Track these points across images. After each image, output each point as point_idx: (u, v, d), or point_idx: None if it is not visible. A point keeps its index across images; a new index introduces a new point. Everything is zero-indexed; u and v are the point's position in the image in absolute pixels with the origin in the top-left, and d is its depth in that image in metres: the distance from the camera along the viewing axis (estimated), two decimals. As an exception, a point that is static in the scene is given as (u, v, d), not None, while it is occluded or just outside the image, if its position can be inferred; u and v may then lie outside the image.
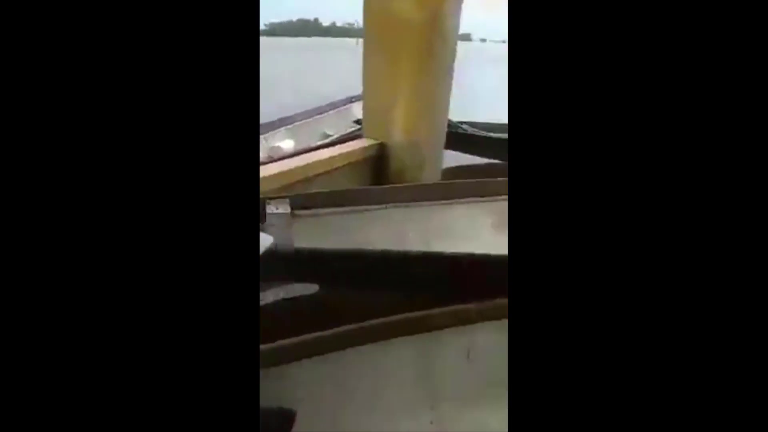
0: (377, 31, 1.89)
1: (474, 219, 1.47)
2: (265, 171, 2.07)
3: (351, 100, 3.79)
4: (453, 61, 1.85)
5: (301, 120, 4.18)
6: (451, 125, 2.46)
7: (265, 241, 1.30)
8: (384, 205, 1.45)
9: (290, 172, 2.06)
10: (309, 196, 1.62)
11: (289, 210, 1.56)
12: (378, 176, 2.03)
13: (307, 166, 2.11)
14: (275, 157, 2.69)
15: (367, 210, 1.47)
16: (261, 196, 1.87)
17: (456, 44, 1.84)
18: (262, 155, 3.45)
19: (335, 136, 3.48)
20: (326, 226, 1.48)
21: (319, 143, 2.95)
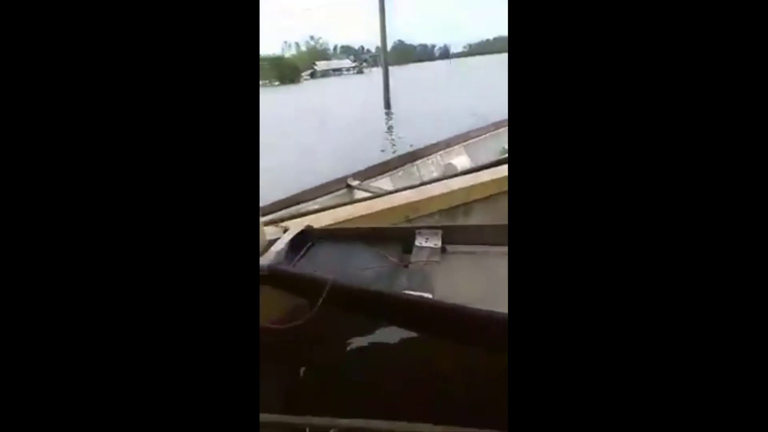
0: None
1: None
2: (421, 194, 2.07)
3: None
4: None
5: (476, 136, 4.11)
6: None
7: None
8: None
9: (448, 196, 2.03)
10: (462, 229, 1.54)
11: (439, 244, 1.50)
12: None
13: (466, 190, 2.03)
14: (448, 174, 2.74)
15: None
16: (412, 224, 1.74)
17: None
18: (437, 173, 3.51)
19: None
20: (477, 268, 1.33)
21: (498, 159, 2.84)
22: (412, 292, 1.26)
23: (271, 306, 1.38)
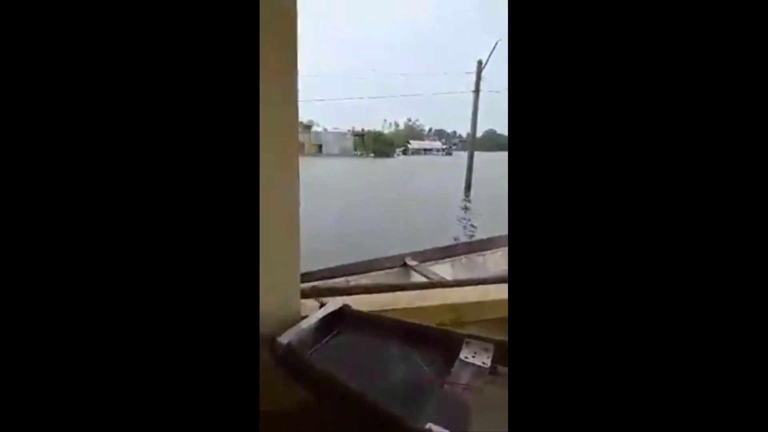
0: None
1: None
2: (482, 294, 1.93)
3: None
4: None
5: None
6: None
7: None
8: None
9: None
10: None
11: (488, 363, 1.20)
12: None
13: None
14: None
15: None
16: (464, 328, 1.69)
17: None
18: (505, 267, 3.24)
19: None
20: None
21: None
22: (438, 429, 0.97)
23: (283, 393, 1.20)
